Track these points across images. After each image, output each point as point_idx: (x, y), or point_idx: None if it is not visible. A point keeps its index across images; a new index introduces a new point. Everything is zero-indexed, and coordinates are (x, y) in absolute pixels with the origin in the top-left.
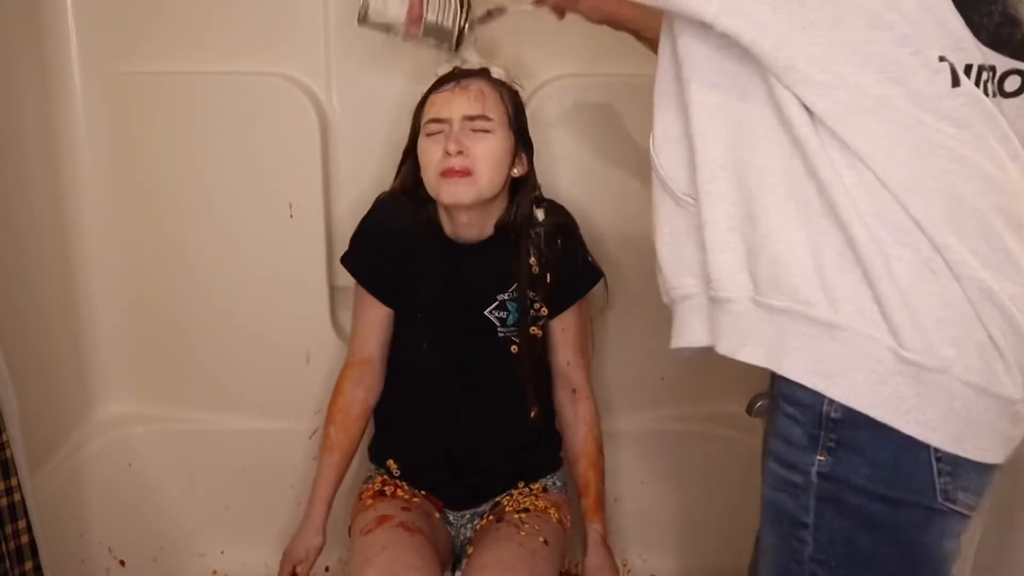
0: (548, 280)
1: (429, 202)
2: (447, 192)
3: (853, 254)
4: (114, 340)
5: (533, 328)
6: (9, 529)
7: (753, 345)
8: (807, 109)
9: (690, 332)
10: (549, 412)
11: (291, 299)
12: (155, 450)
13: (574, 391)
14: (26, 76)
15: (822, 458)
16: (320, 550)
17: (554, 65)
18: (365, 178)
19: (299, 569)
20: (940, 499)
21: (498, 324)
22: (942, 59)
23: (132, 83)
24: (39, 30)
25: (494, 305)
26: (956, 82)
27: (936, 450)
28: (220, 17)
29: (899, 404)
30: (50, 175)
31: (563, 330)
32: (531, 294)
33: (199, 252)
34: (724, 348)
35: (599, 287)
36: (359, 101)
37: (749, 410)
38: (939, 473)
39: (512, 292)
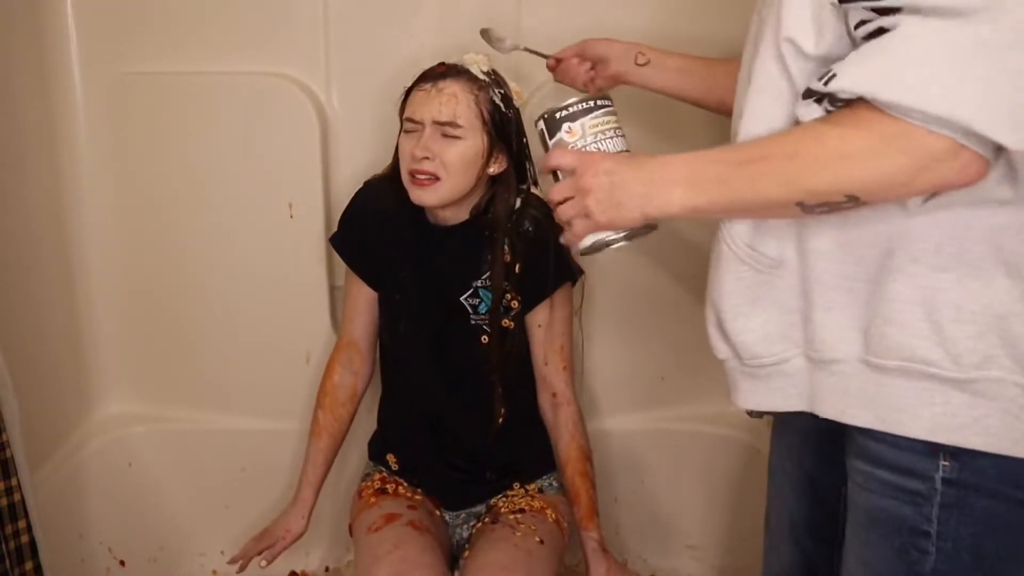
0: (517, 271)
1: None
2: (414, 195)
3: (977, 303)
4: (114, 340)
5: (505, 320)
6: (9, 529)
7: (861, 407)
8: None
9: (782, 396)
10: (536, 411)
11: (291, 299)
12: (155, 450)
13: (554, 395)
14: (26, 76)
15: (947, 463)
16: (299, 537)
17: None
18: (365, 178)
19: (270, 550)
20: None
21: (471, 311)
22: None
23: (132, 83)
24: (39, 30)
25: (469, 292)
26: None
27: None
28: (220, 17)
29: None
30: (50, 175)
31: (539, 326)
32: (505, 284)
33: (199, 252)
34: (827, 411)
35: (575, 285)
36: (359, 101)
37: (749, 410)
38: None
39: (485, 280)
